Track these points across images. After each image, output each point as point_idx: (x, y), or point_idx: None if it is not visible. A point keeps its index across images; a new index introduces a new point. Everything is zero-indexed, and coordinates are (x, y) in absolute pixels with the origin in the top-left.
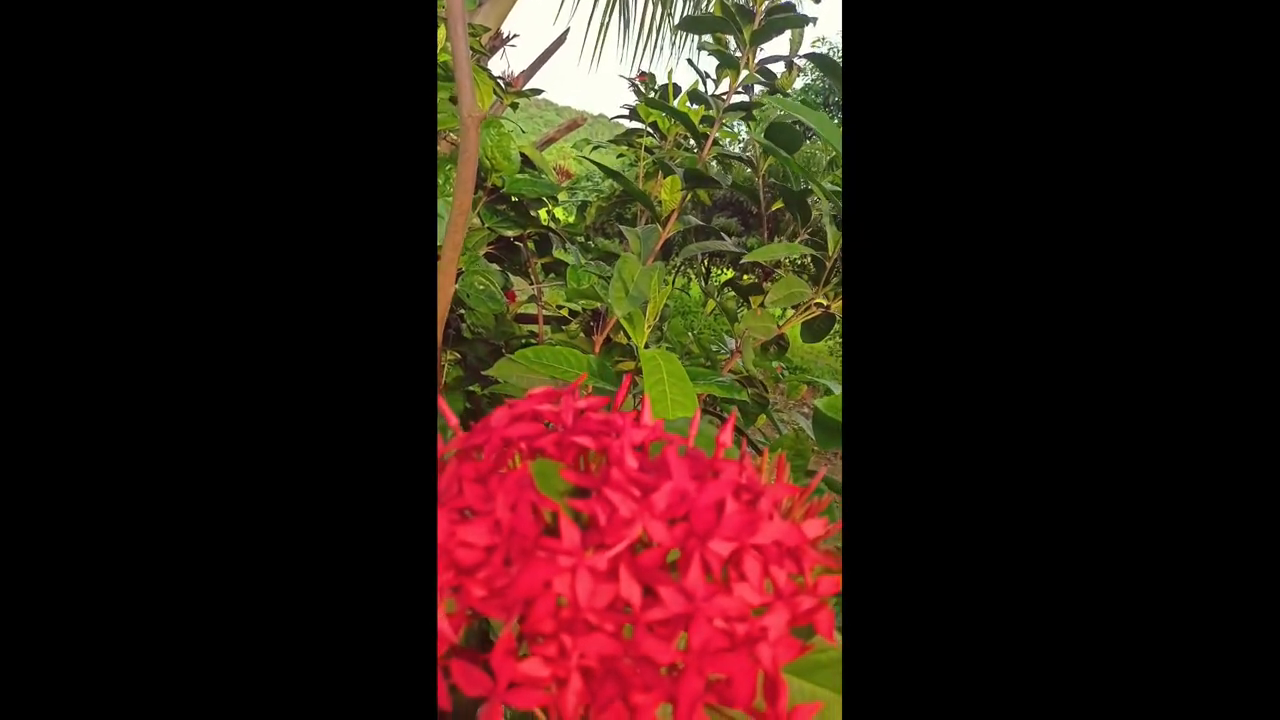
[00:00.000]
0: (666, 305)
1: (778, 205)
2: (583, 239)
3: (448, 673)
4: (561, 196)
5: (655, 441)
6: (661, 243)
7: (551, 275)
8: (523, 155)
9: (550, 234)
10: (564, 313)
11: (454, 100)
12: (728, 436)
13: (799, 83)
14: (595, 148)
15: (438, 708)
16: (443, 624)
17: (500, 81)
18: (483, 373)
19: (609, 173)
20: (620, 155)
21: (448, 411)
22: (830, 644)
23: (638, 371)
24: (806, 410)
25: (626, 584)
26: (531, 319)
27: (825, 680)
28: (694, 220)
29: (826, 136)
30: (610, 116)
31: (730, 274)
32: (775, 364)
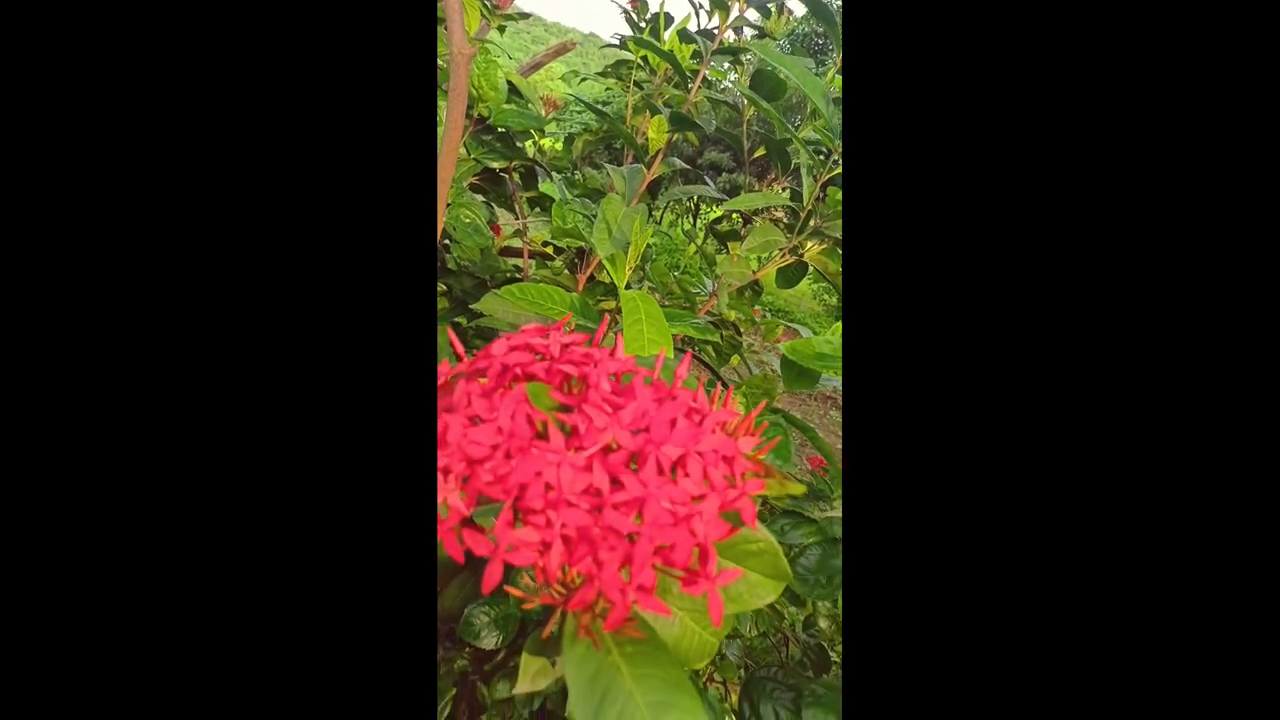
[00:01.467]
0: (649, 246)
1: (760, 152)
2: (569, 171)
3: (460, 538)
4: (549, 128)
5: (626, 372)
6: (646, 184)
7: (537, 210)
8: (510, 84)
9: (537, 166)
10: (549, 250)
11: (444, 26)
12: (684, 370)
13: (796, 27)
14: (583, 79)
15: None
16: (455, 501)
17: (488, 3)
18: (470, 306)
19: (596, 112)
20: (608, 89)
21: (455, 340)
22: (756, 533)
23: (619, 310)
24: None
25: (598, 475)
26: (516, 253)
27: (757, 566)
28: (679, 163)
29: (806, 88)
30: (601, 44)
31: (719, 212)
32: (755, 307)
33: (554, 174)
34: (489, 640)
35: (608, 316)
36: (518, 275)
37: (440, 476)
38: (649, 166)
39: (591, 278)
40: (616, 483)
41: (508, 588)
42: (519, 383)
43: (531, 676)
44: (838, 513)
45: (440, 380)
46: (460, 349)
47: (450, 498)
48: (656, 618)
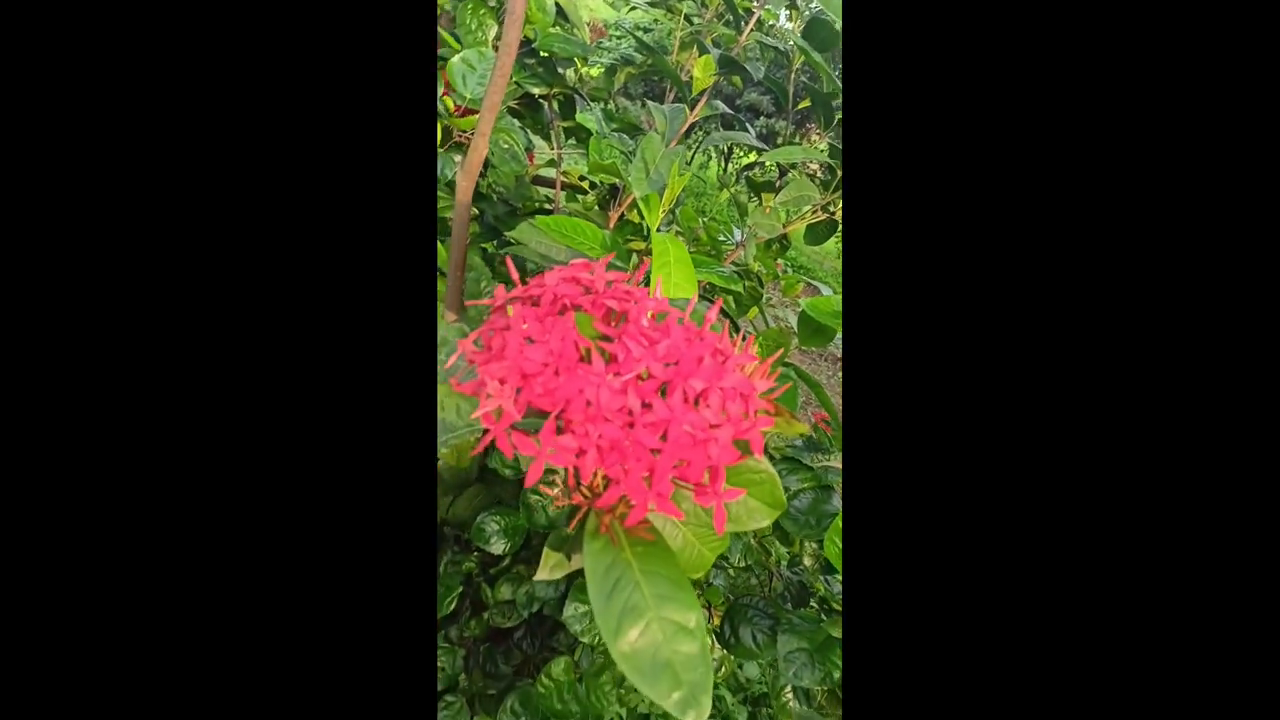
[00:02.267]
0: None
1: (805, 104)
2: (607, 102)
3: (510, 439)
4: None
5: (662, 311)
6: (688, 126)
7: (571, 140)
8: (558, 6)
9: (576, 95)
10: (585, 185)
11: None
12: (714, 315)
13: None
14: (632, 8)
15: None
16: (508, 407)
17: None
18: (505, 234)
19: (643, 46)
20: (656, 21)
21: (513, 268)
22: (760, 464)
23: (647, 252)
24: (799, 308)
25: (632, 398)
26: (548, 182)
27: (757, 493)
28: (722, 106)
29: None
30: None
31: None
32: (778, 261)
33: (592, 104)
34: (498, 546)
35: (648, 261)
36: (548, 205)
37: (495, 385)
38: (691, 107)
39: (622, 216)
40: (647, 406)
41: (542, 486)
42: (568, 311)
43: (550, 567)
44: (835, 464)
45: (497, 302)
46: (515, 274)
47: (505, 404)
48: (666, 524)
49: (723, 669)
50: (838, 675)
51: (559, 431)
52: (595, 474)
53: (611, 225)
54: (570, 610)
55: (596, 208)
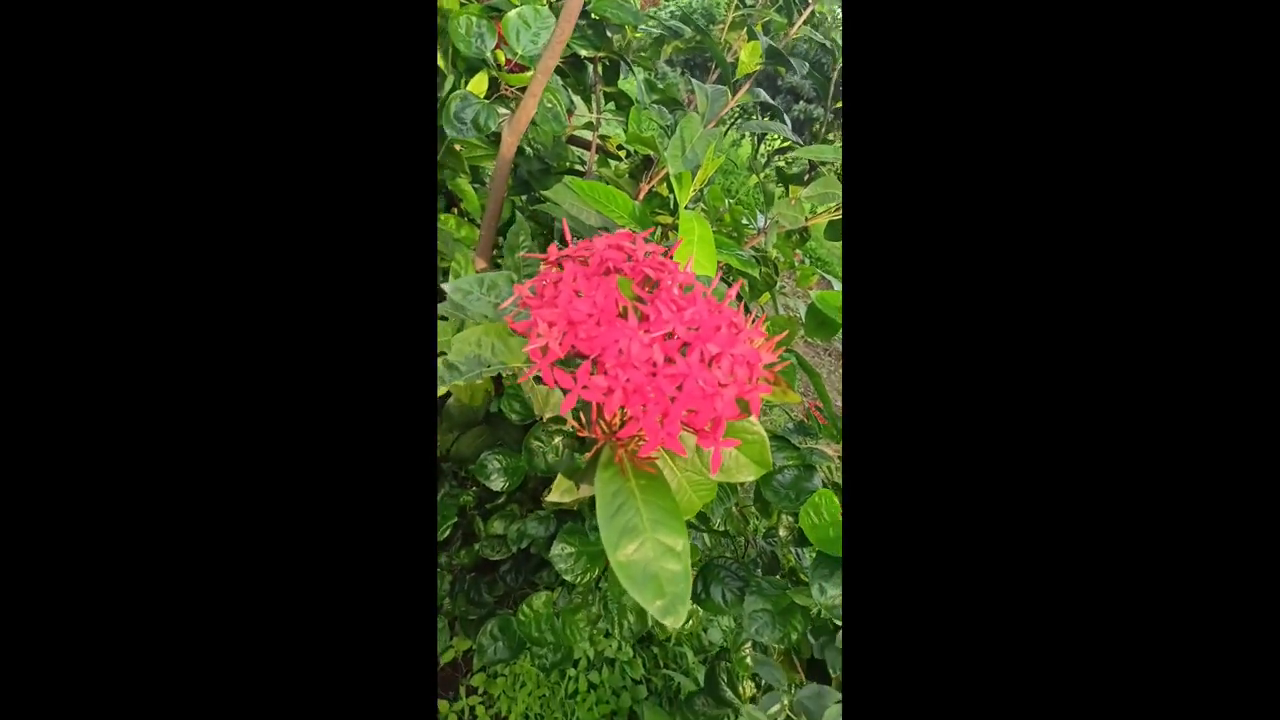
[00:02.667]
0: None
1: (838, 105)
2: (652, 71)
3: (553, 373)
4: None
5: (689, 284)
6: (727, 109)
7: (611, 105)
8: None
9: (621, 61)
10: (621, 153)
11: None
12: (733, 293)
13: None
14: None
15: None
16: (554, 347)
17: None
18: (539, 193)
19: (695, 28)
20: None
21: (567, 230)
22: (754, 425)
23: (673, 227)
24: (809, 299)
25: (657, 352)
26: (583, 143)
27: (747, 450)
28: (763, 94)
29: None
30: None
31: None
32: (796, 251)
33: (636, 71)
34: (497, 483)
35: (681, 240)
36: (580, 167)
37: (545, 326)
38: (734, 91)
39: (650, 188)
40: (669, 360)
41: (570, 420)
42: (611, 274)
43: (560, 491)
44: (821, 447)
45: (551, 258)
46: (569, 234)
47: (551, 343)
48: (666, 467)
49: (690, 623)
50: (795, 637)
51: (593, 371)
52: (619, 411)
53: (640, 196)
54: (557, 550)
55: (628, 176)
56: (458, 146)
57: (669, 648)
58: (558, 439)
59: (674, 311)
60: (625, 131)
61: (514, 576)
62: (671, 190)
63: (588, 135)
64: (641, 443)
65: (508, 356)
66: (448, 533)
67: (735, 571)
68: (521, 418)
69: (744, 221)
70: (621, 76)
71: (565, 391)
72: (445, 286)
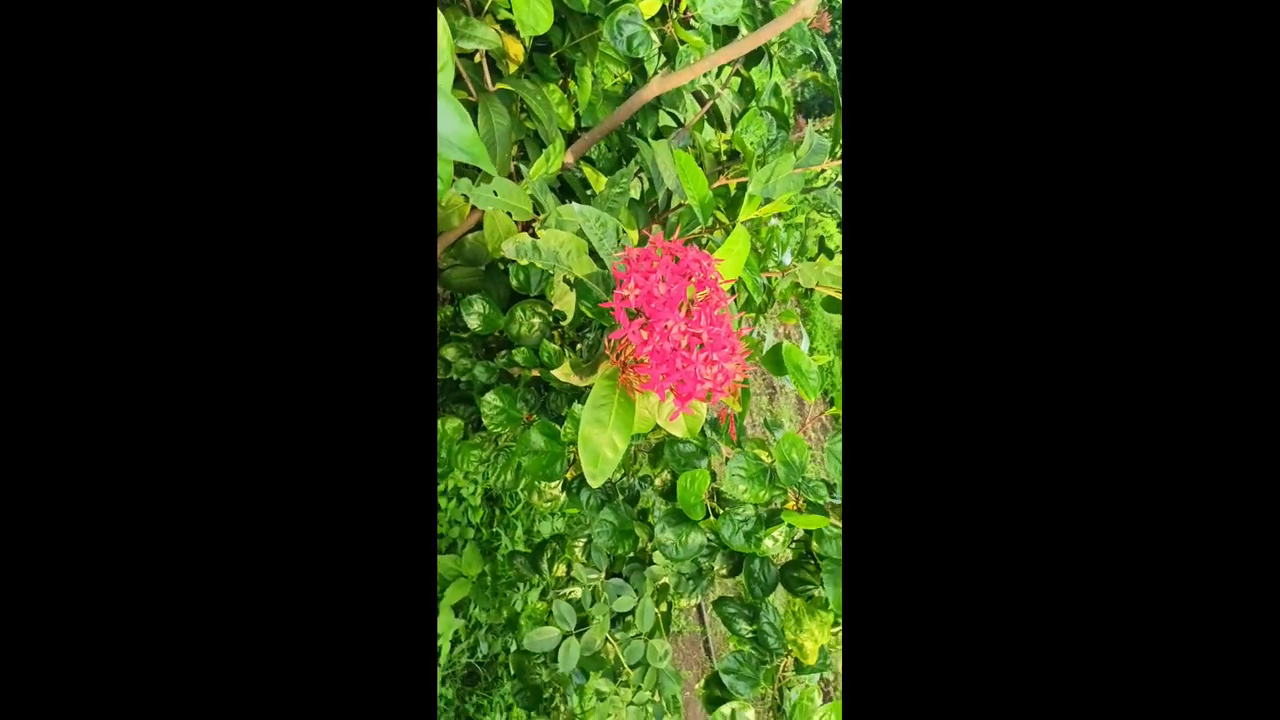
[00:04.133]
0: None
1: None
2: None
3: (624, 308)
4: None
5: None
6: (822, 167)
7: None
8: None
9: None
10: (721, 141)
11: None
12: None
13: None
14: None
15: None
16: (631, 300)
17: None
18: (643, 136)
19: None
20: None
21: (662, 240)
22: (702, 408)
23: (717, 225)
24: (778, 335)
25: (683, 339)
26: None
27: (690, 421)
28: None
29: None
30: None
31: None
32: (794, 296)
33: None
34: (473, 322)
35: (726, 247)
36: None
37: (633, 286)
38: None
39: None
40: (686, 347)
41: (611, 350)
42: (686, 278)
43: (566, 372)
44: (719, 443)
45: (658, 242)
46: (663, 242)
47: (631, 298)
48: (640, 401)
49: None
50: (621, 553)
51: (643, 324)
52: (640, 357)
53: (714, 185)
54: (489, 398)
55: (714, 162)
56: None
57: (510, 514)
58: (535, 319)
59: (708, 322)
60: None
61: (440, 398)
62: (740, 189)
63: (706, 93)
64: (639, 380)
65: (576, 266)
66: None
67: (606, 489)
68: (519, 286)
69: (773, 255)
70: (759, 66)
71: (619, 326)
72: (575, 206)
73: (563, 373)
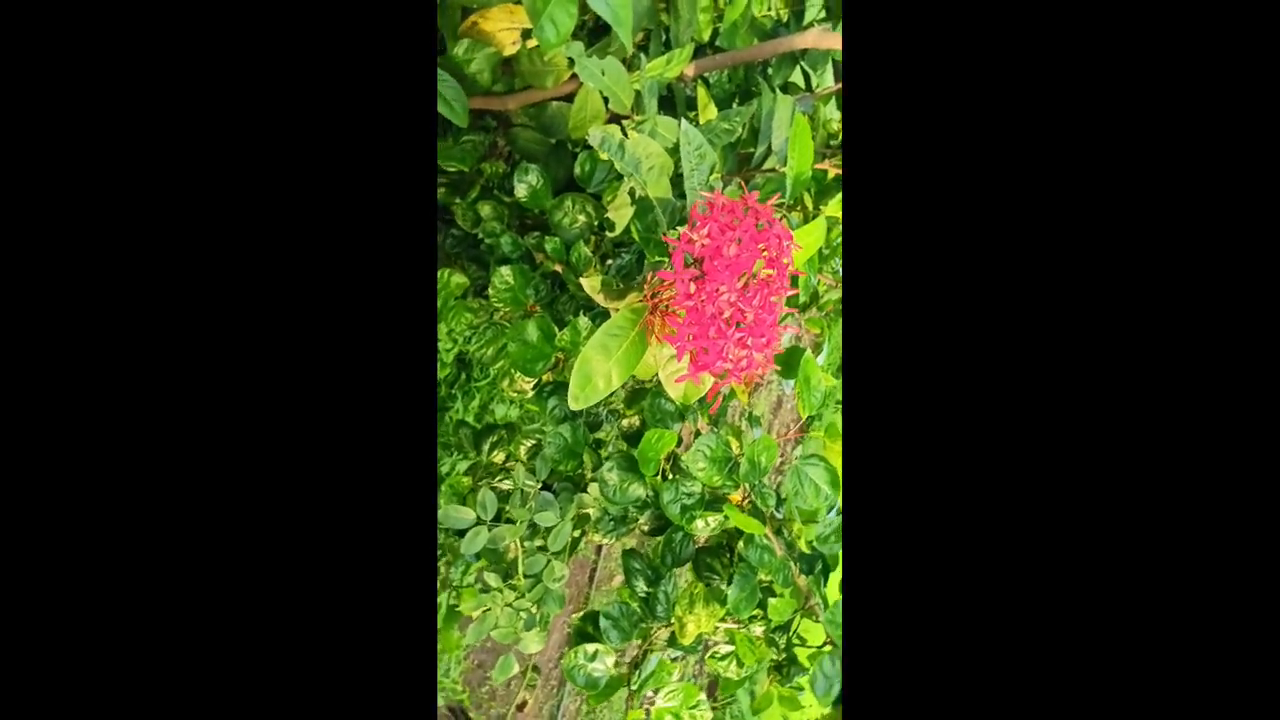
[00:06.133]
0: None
1: None
2: None
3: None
4: None
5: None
6: None
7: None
8: None
9: None
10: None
11: None
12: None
13: None
14: None
15: None
16: (699, 242)
17: None
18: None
19: None
20: None
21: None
22: (708, 380)
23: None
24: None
25: (731, 314)
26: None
27: (689, 388)
28: None
29: None
30: None
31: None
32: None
33: None
34: (521, 190)
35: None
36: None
37: (702, 234)
38: None
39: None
40: (727, 319)
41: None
42: (763, 247)
43: (594, 286)
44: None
45: (750, 200)
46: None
47: (697, 243)
48: (657, 349)
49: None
50: (562, 470)
51: (696, 276)
52: (676, 308)
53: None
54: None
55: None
56: None
57: (473, 384)
58: (582, 216)
59: (760, 303)
60: None
61: (454, 244)
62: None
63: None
64: (667, 331)
65: (653, 185)
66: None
67: (572, 413)
68: (581, 176)
69: (838, 253)
70: None
71: (669, 265)
72: (683, 124)
73: (590, 286)
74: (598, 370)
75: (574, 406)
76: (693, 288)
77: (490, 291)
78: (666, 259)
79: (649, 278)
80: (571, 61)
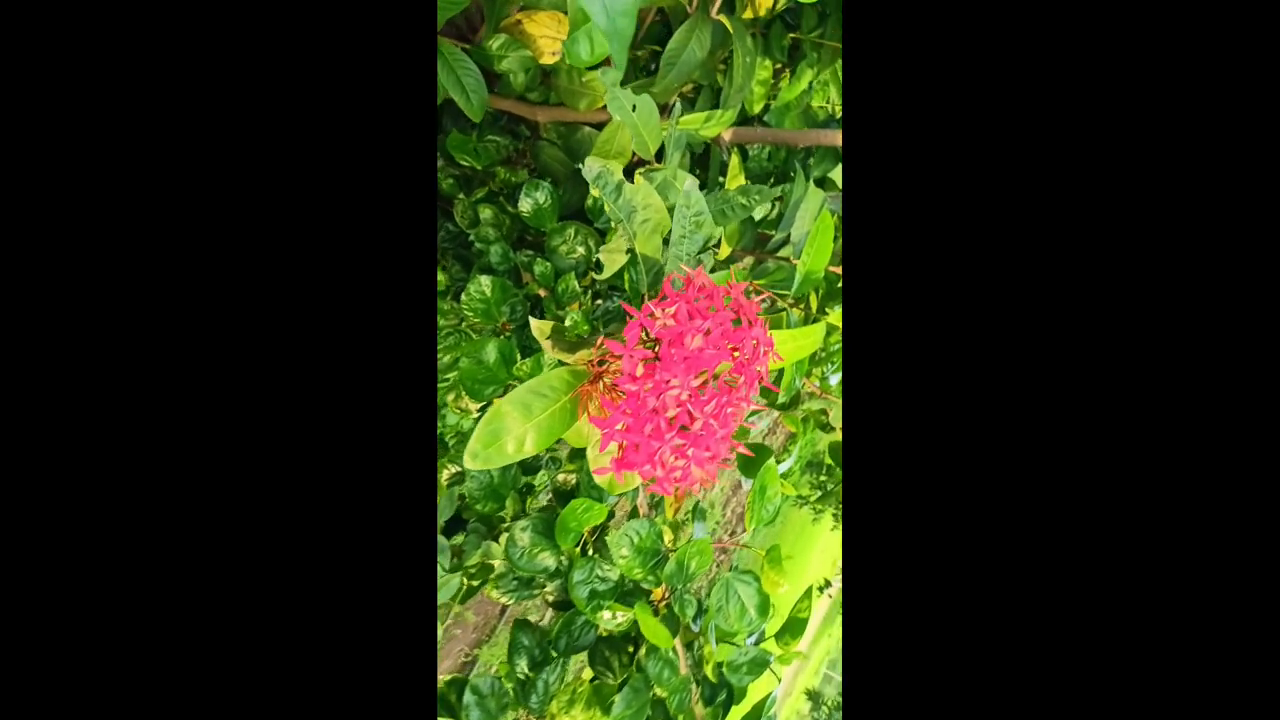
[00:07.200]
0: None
1: None
2: None
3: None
4: None
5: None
6: None
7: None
8: None
9: None
10: None
11: None
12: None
13: None
14: None
15: None
16: (661, 322)
17: None
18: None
19: None
20: None
21: (753, 296)
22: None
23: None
24: (770, 431)
25: (680, 413)
26: None
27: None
28: None
29: None
30: None
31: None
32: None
33: None
34: (524, 205)
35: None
36: None
37: (668, 314)
38: None
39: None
40: (669, 419)
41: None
42: (730, 351)
43: (542, 330)
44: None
45: (731, 292)
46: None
47: (658, 320)
48: (587, 431)
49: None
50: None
51: (648, 359)
52: (617, 386)
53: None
54: (477, 281)
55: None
56: None
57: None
58: (580, 249)
59: (714, 411)
60: None
61: (445, 238)
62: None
63: None
64: (599, 411)
65: (641, 238)
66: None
67: None
68: (590, 207)
69: (831, 363)
70: None
71: (624, 341)
72: (689, 183)
73: (539, 329)
74: (511, 430)
75: (469, 466)
76: (640, 369)
77: (464, 297)
78: (620, 329)
79: (599, 342)
80: (611, 88)
